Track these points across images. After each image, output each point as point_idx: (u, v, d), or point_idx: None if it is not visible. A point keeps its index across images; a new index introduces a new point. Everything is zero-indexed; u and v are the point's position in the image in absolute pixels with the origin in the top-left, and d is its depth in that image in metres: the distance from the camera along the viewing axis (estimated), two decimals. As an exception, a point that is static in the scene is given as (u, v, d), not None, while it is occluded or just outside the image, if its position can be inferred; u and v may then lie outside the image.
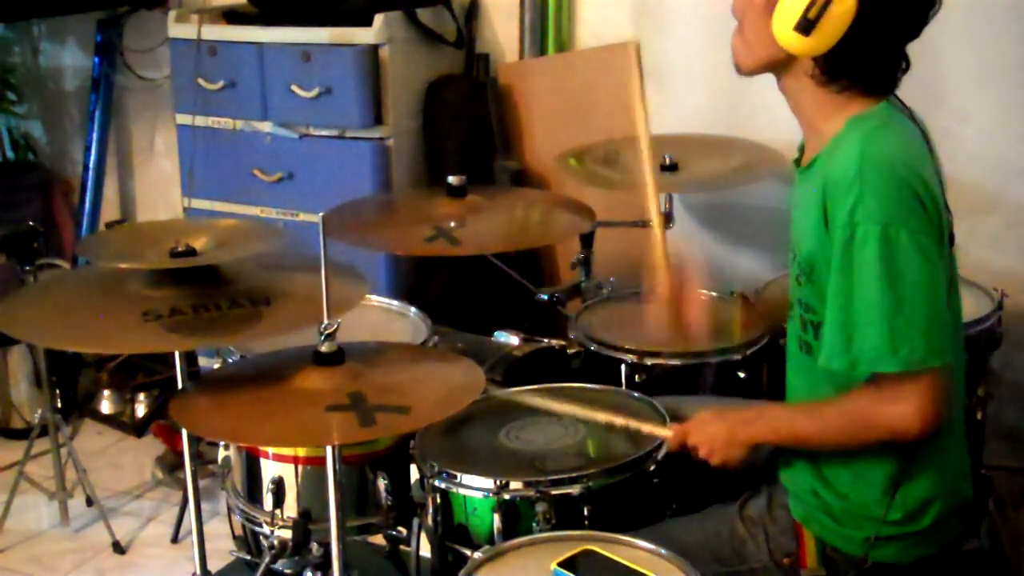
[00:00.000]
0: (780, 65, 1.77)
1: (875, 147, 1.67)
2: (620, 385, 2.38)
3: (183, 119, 3.45)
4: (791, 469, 1.88)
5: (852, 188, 1.64)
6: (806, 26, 1.67)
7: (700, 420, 1.93)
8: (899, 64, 1.76)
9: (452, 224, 2.43)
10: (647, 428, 1.99)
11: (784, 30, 1.69)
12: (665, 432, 1.97)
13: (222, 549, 2.46)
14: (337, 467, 1.88)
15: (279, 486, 2.13)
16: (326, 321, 1.84)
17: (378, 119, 3.20)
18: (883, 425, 1.69)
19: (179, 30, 3.39)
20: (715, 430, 1.88)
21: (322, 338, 1.85)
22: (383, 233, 2.61)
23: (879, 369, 1.65)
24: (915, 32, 1.74)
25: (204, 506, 2.36)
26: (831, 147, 1.74)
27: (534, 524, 1.90)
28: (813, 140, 1.80)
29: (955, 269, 1.79)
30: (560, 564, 1.65)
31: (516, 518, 1.92)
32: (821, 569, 1.82)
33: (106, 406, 3.82)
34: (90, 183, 4.08)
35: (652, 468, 1.98)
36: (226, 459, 2.27)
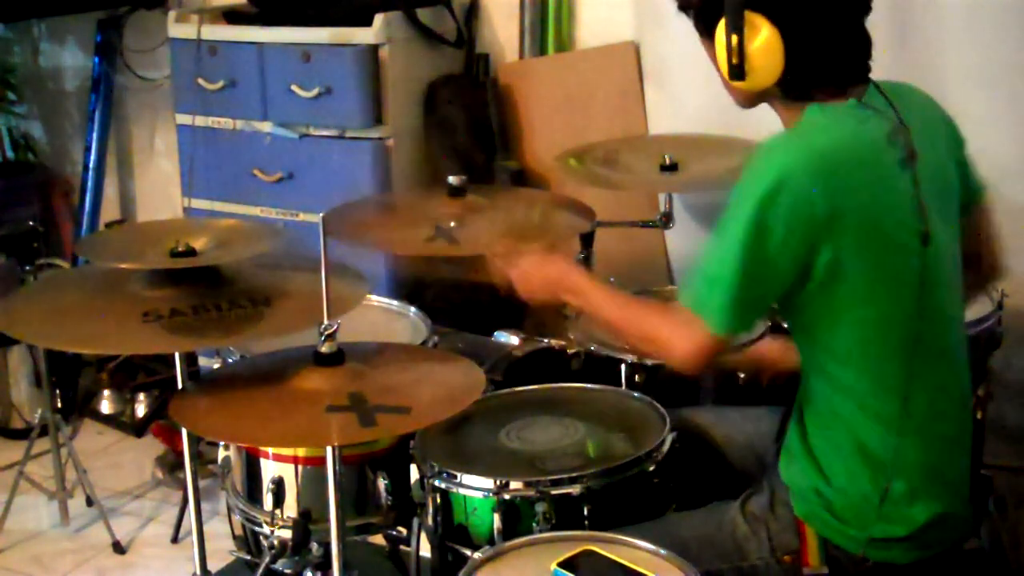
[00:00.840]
0: (757, 98, 1.83)
1: (798, 136, 1.74)
2: (620, 385, 2.37)
3: (183, 119, 3.45)
4: (792, 466, 1.88)
5: (758, 159, 1.74)
6: (738, 73, 1.73)
7: (528, 261, 2.03)
8: (861, 46, 1.76)
9: (452, 224, 2.43)
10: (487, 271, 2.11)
11: (731, 83, 1.77)
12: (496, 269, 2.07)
13: (222, 549, 2.46)
14: (337, 467, 1.88)
15: (279, 486, 2.13)
16: (326, 321, 1.84)
17: (378, 119, 3.20)
18: (663, 349, 1.80)
19: (179, 30, 3.39)
20: (535, 275, 2.00)
21: (322, 338, 1.85)
22: (383, 233, 2.61)
23: (680, 297, 1.79)
24: (862, 9, 1.76)
25: (204, 506, 2.36)
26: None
27: (534, 524, 1.90)
28: None
29: (937, 270, 1.77)
30: (560, 564, 1.65)
31: (516, 518, 1.93)
32: (823, 567, 1.81)
33: (106, 406, 3.82)
34: (90, 183, 4.08)
35: (652, 468, 1.98)
36: (226, 459, 2.27)
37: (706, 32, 1.79)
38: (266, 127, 3.32)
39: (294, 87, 3.19)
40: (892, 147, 1.74)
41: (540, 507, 1.90)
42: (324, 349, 1.86)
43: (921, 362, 1.75)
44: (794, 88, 1.75)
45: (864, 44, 1.77)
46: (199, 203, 3.47)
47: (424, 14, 3.28)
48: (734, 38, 1.70)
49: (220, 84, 3.32)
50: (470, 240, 2.42)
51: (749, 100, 1.84)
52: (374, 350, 2.02)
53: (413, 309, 2.56)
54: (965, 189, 1.90)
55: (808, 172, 1.68)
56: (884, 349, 1.75)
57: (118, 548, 3.10)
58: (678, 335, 1.76)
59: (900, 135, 1.75)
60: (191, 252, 2.03)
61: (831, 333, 1.75)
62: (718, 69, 1.79)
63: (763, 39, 1.70)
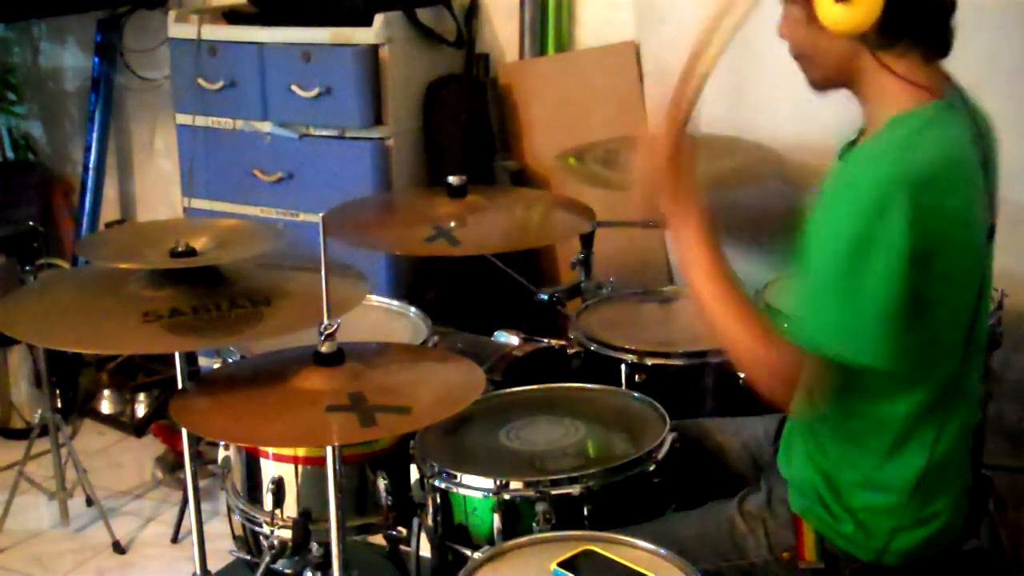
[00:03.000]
0: (847, 64, 1.75)
1: (899, 152, 1.66)
2: (620, 385, 2.37)
3: (183, 119, 3.45)
4: (791, 461, 1.88)
5: (864, 178, 1.65)
6: None
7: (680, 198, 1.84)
8: (949, 9, 1.73)
9: (452, 224, 2.43)
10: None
11: (831, 14, 1.68)
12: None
13: (222, 549, 2.46)
14: (337, 467, 1.88)
15: (279, 486, 2.13)
16: (326, 321, 1.84)
17: (378, 119, 3.20)
18: (753, 370, 1.73)
19: (179, 30, 3.39)
20: (674, 206, 1.82)
21: (322, 338, 1.85)
22: (383, 233, 2.61)
23: (807, 344, 1.67)
24: None
25: (204, 506, 2.36)
26: (869, 142, 1.73)
27: (534, 524, 1.90)
28: (869, 130, 1.79)
29: (990, 266, 1.78)
30: (560, 564, 1.65)
31: (516, 518, 1.93)
32: (820, 562, 1.81)
33: (106, 406, 3.83)
34: (90, 183, 4.08)
35: (652, 468, 1.98)
36: (226, 459, 2.27)
37: None
38: (266, 127, 3.32)
39: (294, 87, 3.19)
40: (974, 146, 1.73)
41: (540, 507, 1.90)
42: (324, 349, 1.85)
43: (967, 362, 1.75)
44: (889, 32, 1.68)
45: (951, 3, 1.73)
46: (199, 203, 3.47)
47: (424, 14, 3.28)
48: None
49: (220, 84, 3.32)
50: (470, 240, 2.42)
51: (835, 72, 1.76)
52: (374, 350, 2.02)
53: (413, 309, 2.56)
54: None
55: (920, 180, 1.64)
56: (942, 349, 1.73)
57: (118, 548, 3.11)
58: (774, 371, 1.69)
59: (980, 137, 1.74)
60: (191, 252, 2.02)
61: None
62: (813, 20, 1.70)
63: None
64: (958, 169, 1.69)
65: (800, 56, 1.80)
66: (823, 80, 1.80)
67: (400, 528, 2.17)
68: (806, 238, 1.72)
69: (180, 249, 2.02)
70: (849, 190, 1.66)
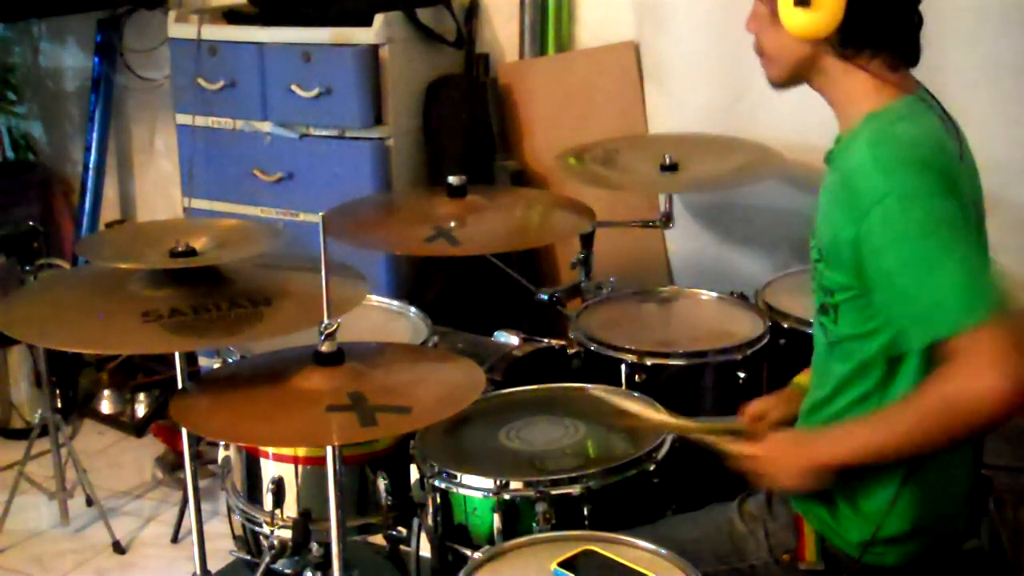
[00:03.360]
0: (807, 65, 1.77)
1: (885, 136, 1.68)
2: (620, 385, 2.37)
3: (183, 119, 3.45)
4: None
5: (870, 175, 1.64)
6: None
7: (774, 443, 1.79)
8: (914, 18, 1.75)
9: (452, 224, 2.43)
10: (723, 443, 1.89)
11: (791, 18, 1.71)
12: (738, 448, 1.84)
13: (222, 549, 2.46)
14: (337, 467, 1.88)
15: (279, 486, 2.13)
16: (326, 321, 1.84)
17: (378, 119, 3.20)
18: (969, 400, 1.56)
19: (179, 30, 3.39)
20: (787, 460, 1.75)
21: (322, 338, 1.85)
22: (383, 233, 2.61)
23: (963, 325, 1.55)
24: None
25: (204, 506, 2.36)
26: (848, 140, 1.75)
27: (534, 524, 1.90)
28: (843, 130, 1.80)
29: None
30: (560, 564, 1.65)
31: (516, 518, 1.93)
32: (820, 563, 1.81)
33: (106, 406, 3.82)
34: (90, 183, 4.08)
35: (652, 468, 1.98)
36: (226, 459, 2.27)
37: None
38: (266, 127, 3.32)
39: (294, 87, 3.19)
40: (950, 137, 1.74)
41: (540, 507, 1.90)
42: (324, 349, 1.85)
43: None
44: (852, 40, 1.71)
45: (918, 18, 1.75)
46: (199, 203, 3.47)
47: (424, 14, 3.28)
48: None
49: (220, 84, 3.32)
50: (470, 240, 2.42)
51: (794, 69, 1.78)
52: (374, 350, 2.02)
53: (413, 309, 2.56)
54: None
55: (929, 153, 1.65)
56: None
57: (118, 548, 3.10)
58: (985, 368, 1.53)
59: (952, 131, 1.75)
60: (191, 252, 2.02)
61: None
62: (776, 20, 1.73)
63: None
64: (943, 147, 1.70)
65: (762, 53, 1.82)
66: (781, 78, 1.82)
67: (400, 528, 2.17)
68: (838, 256, 1.70)
69: (180, 249, 2.02)
70: (864, 189, 1.65)
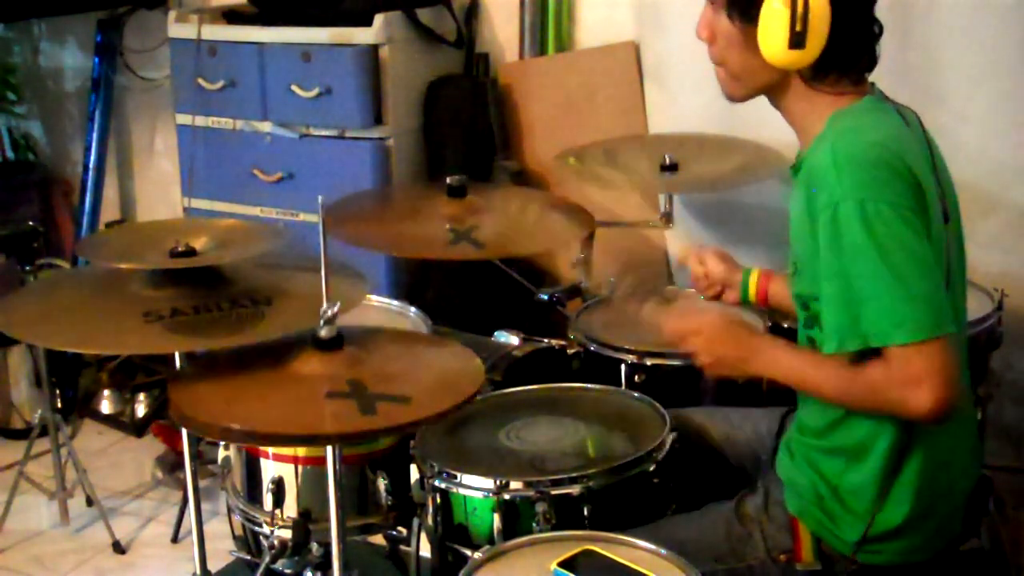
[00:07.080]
0: (772, 87, 1.81)
1: (847, 134, 1.71)
2: (620, 385, 2.37)
3: (183, 119, 3.45)
4: (789, 462, 1.88)
5: (828, 173, 1.67)
6: (798, 40, 1.71)
7: (710, 330, 1.89)
8: (874, 34, 1.79)
9: (448, 226, 2.41)
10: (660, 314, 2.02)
11: (776, 53, 1.73)
12: (668, 321, 1.98)
13: (222, 549, 2.46)
14: (337, 467, 1.87)
15: (279, 486, 2.13)
16: (325, 305, 1.83)
17: (378, 119, 3.21)
18: (894, 403, 1.65)
19: (179, 30, 3.40)
20: (722, 350, 1.88)
21: (322, 322, 1.83)
22: (383, 233, 2.60)
23: (892, 341, 1.62)
24: None
25: (204, 506, 2.36)
26: (814, 146, 1.77)
27: (534, 524, 1.90)
28: (805, 144, 1.82)
29: (960, 245, 1.80)
30: (560, 564, 1.65)
31: (516, 518, 1.93)
32: (816, 563, 1.82)
33: (106, 406, 3.83)
34: (90, 183, 4.08)
35: (652, 468, 1.98)
36: (226, 459, 2.27)
37: (747, 5, 1.76)
38: (266, 127, 3.32)
39: (294, 87, 3.20)
40: (912, 130, 1.77)
41: (540, 507, 1.90)
42: (323, 334, 1.84)
43: None
44: (823, 68, 1.75)
45: (879, 28, 1.79)
46: (199, 203, 3.47)
47: (424, 14, 3.28)
48: (800, 3, 1.68)
49: (220, 84, 3.32)
50: (493, 244, 2.38)
51: (760, 90, 1.82)
52: (372, 334, 2.00)
53: (413, 309, 2.56)
54: None
55: (889, 156, 1.67)
56: None
57: (118, 548, 3.10)
58: (918, 382, 1.61)
59: (914, 123, 1.78)
60: (191, 252, 2.02)
61: None
62: (752, 47, 1.75)
63: (821, 5, 1.70)
64: (905, 139, 1.73)
65: (725, 67, 1.84)
66: (742, 96, 1.85)
67: (400, 528, 2.17)
68: (809, 266, 1.72)
69: (180, 249, 2.02)
70: (823, 189, 1.67)
